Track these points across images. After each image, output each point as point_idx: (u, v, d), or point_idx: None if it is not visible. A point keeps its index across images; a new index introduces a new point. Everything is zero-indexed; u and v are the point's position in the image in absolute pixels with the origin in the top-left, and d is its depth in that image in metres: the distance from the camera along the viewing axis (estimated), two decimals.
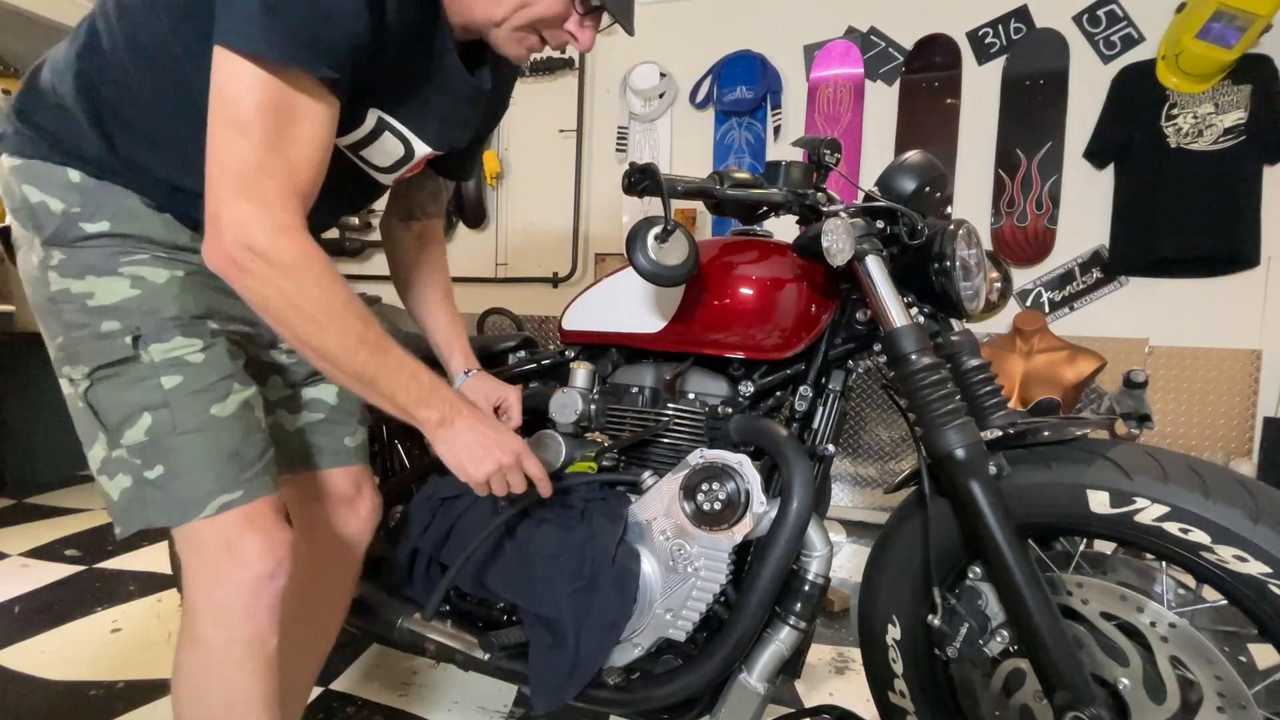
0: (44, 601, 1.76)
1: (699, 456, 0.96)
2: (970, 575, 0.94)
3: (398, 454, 1.33)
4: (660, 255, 0.92)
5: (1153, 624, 0.80)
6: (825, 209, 1.04)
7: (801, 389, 1.06)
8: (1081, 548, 0.92)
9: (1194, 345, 2.29)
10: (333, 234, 3.50)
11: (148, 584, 1.88)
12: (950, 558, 0.96)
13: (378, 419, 1.34)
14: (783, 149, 2.77)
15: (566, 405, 1.15)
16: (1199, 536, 0.77)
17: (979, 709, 0.96)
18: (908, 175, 1.04)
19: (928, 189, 1.06)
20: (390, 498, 1.29)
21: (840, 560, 2.28)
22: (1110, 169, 2.35)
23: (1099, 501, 0.84)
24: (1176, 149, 2.23)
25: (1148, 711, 0.80)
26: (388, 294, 3.40)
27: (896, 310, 0.96)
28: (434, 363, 1.18)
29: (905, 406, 0.97)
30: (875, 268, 0.97)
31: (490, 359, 1.37)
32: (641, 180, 0.97)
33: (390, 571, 1.13)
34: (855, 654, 1.61)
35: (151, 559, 2.07)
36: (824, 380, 1.06)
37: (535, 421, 1.26)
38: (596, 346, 1.26)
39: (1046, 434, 0.90)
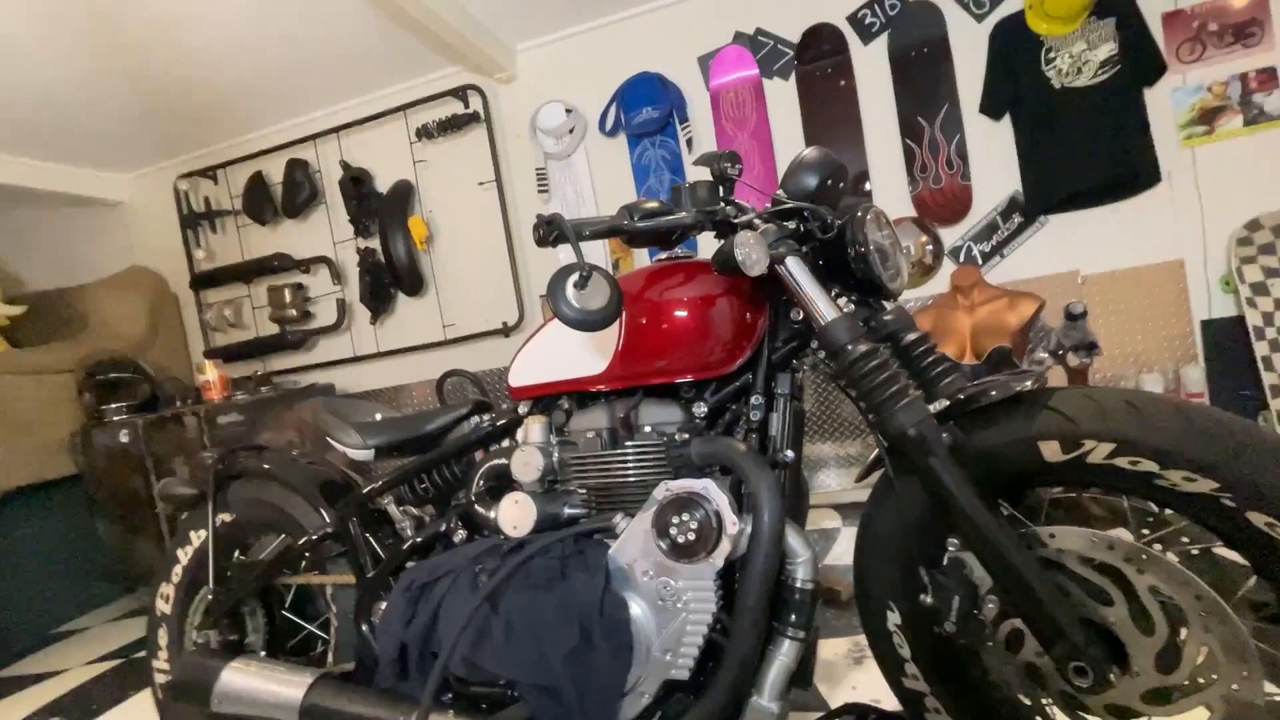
0: None
1: (664, 490, 0.95)
2: (950, 547, 0.95)
3: (370, 547, 1.29)
4: (583, 301, 0.92)
5: (1127, 559, 0.82)
6: (735, 220, 1.06)
7: (753, 399, 1.07)
8: (1048, 497, 0.94)
9: (1122, 267, 2.39)
10: (272, 329, 3.43)
11: None
12: (928, 534, 0.97)
13: (341, 517, 1.31)
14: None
15: (529, 463, 1.14)
16: (1148, 465, 0.80)
17: (989, 675, 0.96)
18: (807, 173, 1.07)
19: (829, 181, 1.09)
20: (371, 593, 1.25)
21: (842, 545, 2.29)
22: (1007, 119, 2.46)
23: (1051, 450, 0.86)
24: (1061, 89, 2.34)
25: (1141, 644, 0.81)
26: (338, 378, 3.35)
27: (824, 305, 0.97)
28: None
29: (854, 396, 0.99)
30: (796, 268, 0.99)
31: (445, 431, 1.35)
32: (551, 231, 0.97)
33: (383, 672, 1.09)
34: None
35: (138, 711, 1.96)
36: (773, 385, 1.07)
37: (504, 485, 1.24)
38: (549, 397, 1.25)
39: (992, 394, 0.92)
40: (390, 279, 3.18)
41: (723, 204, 1.08)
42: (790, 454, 1.01)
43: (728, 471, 1.03)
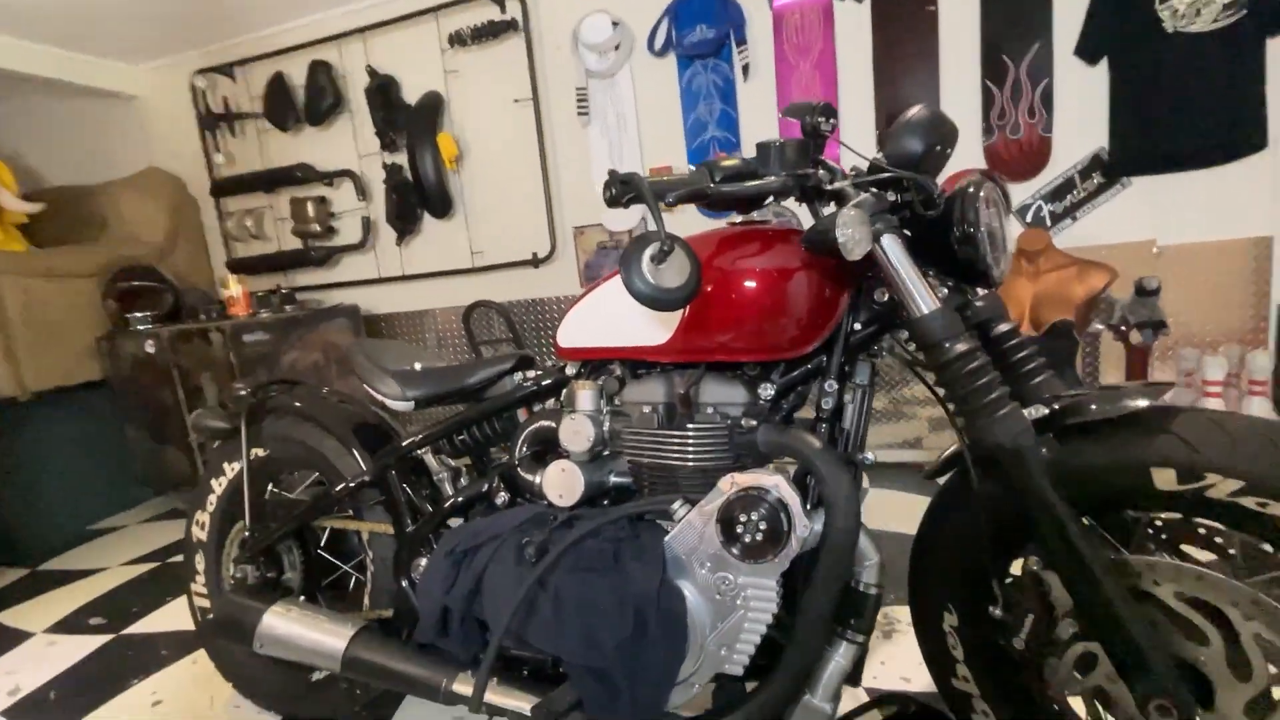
0: (78, 682, 1.73)
1: (730, 484, 0.89)
2: (1029, 564, 0.89)
3: (409, 500, 1.26)
4: (658, 277, 0.83)
5: (1233, 602, 0.76)
6: (829, 187, 0.94)
7: (826, 385, 0.99)
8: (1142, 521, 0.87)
9: (1202, 240, 2.21)
10: (295, 244, 3.34)
11: (179, 646, 1.85)
12: (1003, 545, 0.91)
13: (382, 465, 1.27)
14: (753, 89, 2.60)
15: (579, 432, 1.08)
16: (1278, 510, 0.72)
17: (1049, 690, 0.93)
18: (913, 135, 0.94)
19: (938, 148, 0.96)
20: (411, 548, 1.23)
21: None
22: (1104, 64, 2.21)
23: (1165, 479, 0.78)
24: (1173, 33, 2.08)
25: (1234, 689, 0.77)
26: (361, 299, 3.28)
27: (922, 294, 0.88)
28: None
29: (942, 394, 0.91)
30: (894, 249, 0.89)
31: (486, 385, 1.29)
32: (625, 191, 0.86)
33: (423, 629, 1.08)
34: (898, 614, 1.61)
35: (177, 617, 2.04)
36: (847, 370, 0.99)
37: (548, 449, 1.19)
38: (599, 361, 1.17)
39: (1098, 409, 0.83)
40: (417, 199, 3.04)
41: (813, 167, 0.96)
42: (871, 456, 0.94)
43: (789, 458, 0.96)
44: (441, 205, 3.03)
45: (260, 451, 1.46)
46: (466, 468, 1.40)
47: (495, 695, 0.98)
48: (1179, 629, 0.80)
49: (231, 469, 1.49)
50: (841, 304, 0.99)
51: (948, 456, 0.99)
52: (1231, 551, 0.81)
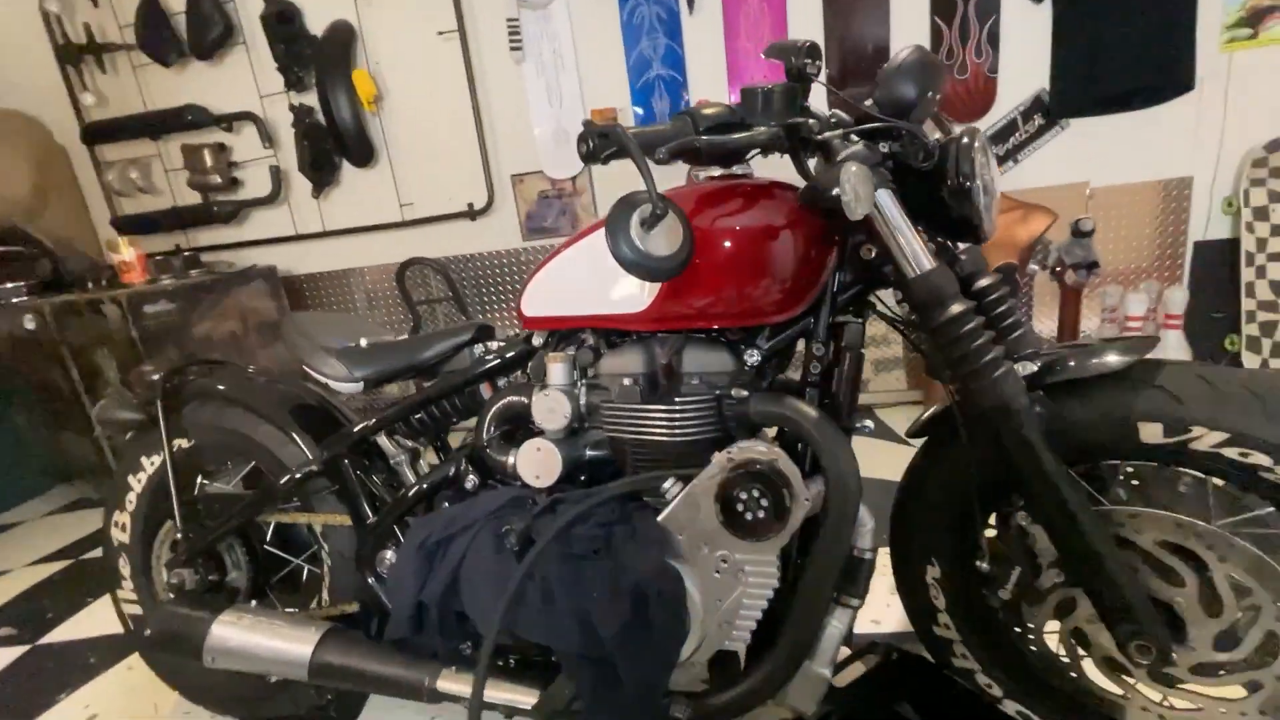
0: None
1: (727, 459, 0.85)
2: (1017, 518, 0.91)
3: (366, 489, 1.16)
4: (649, 244, 0.75)
5: (1210, 546, 0.80)
6: (818, 137, 0.87)
7: (814, 348, 0.95)
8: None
9: (1131, 181, 2.31)
10: (194, 198, 2.98)
11: (109, 652, 1.69)
12: (989, 500, 0.93)
13: (333, 453, 1.16)
14: (699, 23, 2.45)
15: (554, 409, 1.01)
16: (1259, 459, 0.75)
17: (1027, 634, 0.97)
18: (907, 81, 0.88)
19: (929, 94, 0.90)
20: (374, 541, 1.14)
21: None
22: (1047, 4, 2.20)
23: (1151, 432, 0.80)
24: None
25: (1204, 624, 0.82)
26: (278, 259, 2.99)
27: (919, 253, 0.84)
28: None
29: (933, 355, 0.88)
30: (890, 205, 0.84)
31: (444, 358, 1.18)
32: (605, 146, 0.77)
33: (396, 626, 1.01)
34: None
35: (101, 620, 1.86)
36: (837, 334, 0.95)
37: (518, 430, 1.11)
38: (568, 330, 1.09)
39: (1089, 364, 0.83)
40: (333, 145, 2.75)
41: (803, 116, 0.88)
42: (869, 425, 0.91)
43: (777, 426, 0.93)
44: (361, 152, 2.75)
45: (183, 442, 1.31)
46: (423, 448, 1.30)
47: (490, 691, 0.93)
48: (1155, 572, 0.84)
49: (151, 463, 1.33)
50: (829, 263, 0.94)
51: (933, 415, 0.98)
52: (1203, 498, 0.85)
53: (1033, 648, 0.98)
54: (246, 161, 2.93)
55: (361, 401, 2.57)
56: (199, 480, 1.34)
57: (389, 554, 1.11)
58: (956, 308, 0.83)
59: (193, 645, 1.02)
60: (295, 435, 1.20)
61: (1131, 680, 0.89)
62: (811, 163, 0.99)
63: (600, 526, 0.90)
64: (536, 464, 1.01)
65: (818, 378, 0.95)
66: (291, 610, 1.25)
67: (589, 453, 1.05)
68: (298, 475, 1.17)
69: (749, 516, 0.82)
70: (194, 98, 2.84)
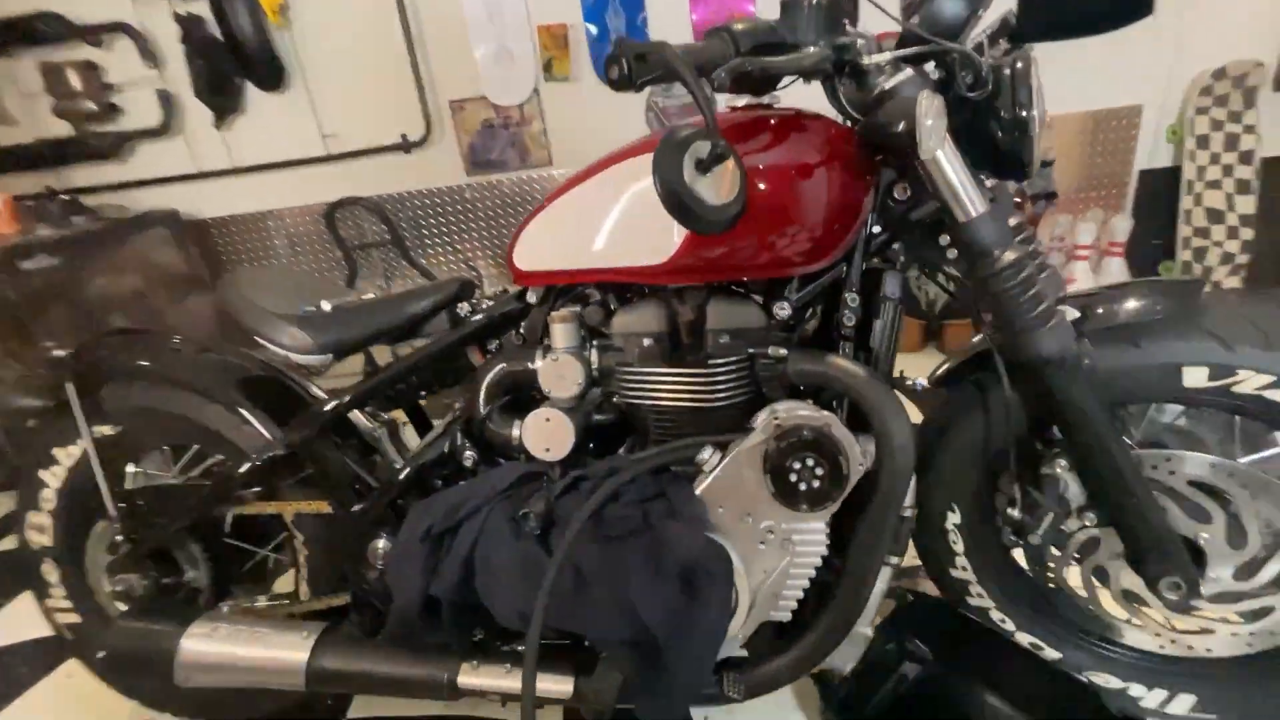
0: None
1: (772, 420, 0.78)
2: (1050, 464, 0.90)
3: (346, 472, 1.02)
4: (703, 188, 0.64)
5: (1244, 485, 0.81)
6: (867, 61, 0.77)
7: (847, 298, 0.88)
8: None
9: (1086, 110, 2.33)
10: (62, 128, 2.52)
11: (42, 659, 1.51)
12: (1024, 447, 0.91)
13: (303, 434, 1.01)
14: None
15: (564, 376, 0.90)
16: None
17: (1046, 572, 0.99)
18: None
19: (979, 13, 0.81)
20: (364, 530, 1.02)
21: None
22: None
23: (1195, 378, 0.79)
24: None
25: (1226, 557, 0.85)
26: (177, 200, 2.60)
27: (973, 194, 0.77)
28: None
29: (979, 302, 0.83)
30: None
31: (423, 319, 1.03)
32: (645, 70, 0.64)
33: (400, 622, 0.92)
34: None
35: (25, 625, 1.65)
36: (870, 279, 0.88)
37: (523, 399, 1.00)
38: (565, 285, 0.97)
39: (1137, 309, 0.81)
40: (234, 65, 2.36)
41: (851, 36, 0.78)
42: (922, 381, 0.86)
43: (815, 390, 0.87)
44: (269, 73, 2.38)
45: (106, 430, 1.11)
46: (404, 423, 1.17)
47: (517, 683, 0.86)
48: (1184, 511, 0.85)
49: (68, 455, 1.13)
50: (866, 204, 0.86)
51: (960, 363, 0.95)
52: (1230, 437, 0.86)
53: (1050, 585, 1.00)
54: (125, 84, 2.48)
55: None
56: (129, 471, 1.15)
57: (382, 543, 1.00)
58: (1010, 254, 0.77)
59: (160, 665, 0.89)
60: (252, 416, 1.04)
61: (1148, 609, 0.93)
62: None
63: (634, 504, 0.82)
64: (546, 436, 0.92)
65: (852, 331, 0.89)
66: (263, 600, 1.12)
67: (596, 418, 0.96)
68: (260, 461, 1.02)
69: (803, 486, 0.76)
70: (48, 4, 2.35)
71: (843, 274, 0.89)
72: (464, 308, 1.04)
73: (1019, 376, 0.84)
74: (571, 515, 0.83)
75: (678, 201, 0.61)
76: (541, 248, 0.94)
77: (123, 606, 1.03)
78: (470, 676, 0.87)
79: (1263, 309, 0.78)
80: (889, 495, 0.78)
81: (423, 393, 1.11)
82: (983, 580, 1.04)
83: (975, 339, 0.96)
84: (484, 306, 1.03)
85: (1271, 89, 2.16)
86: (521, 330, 1.04)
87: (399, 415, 1.17)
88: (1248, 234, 2.21)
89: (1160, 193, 2.35)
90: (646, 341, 0.89)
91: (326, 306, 1.01)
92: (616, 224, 0.87)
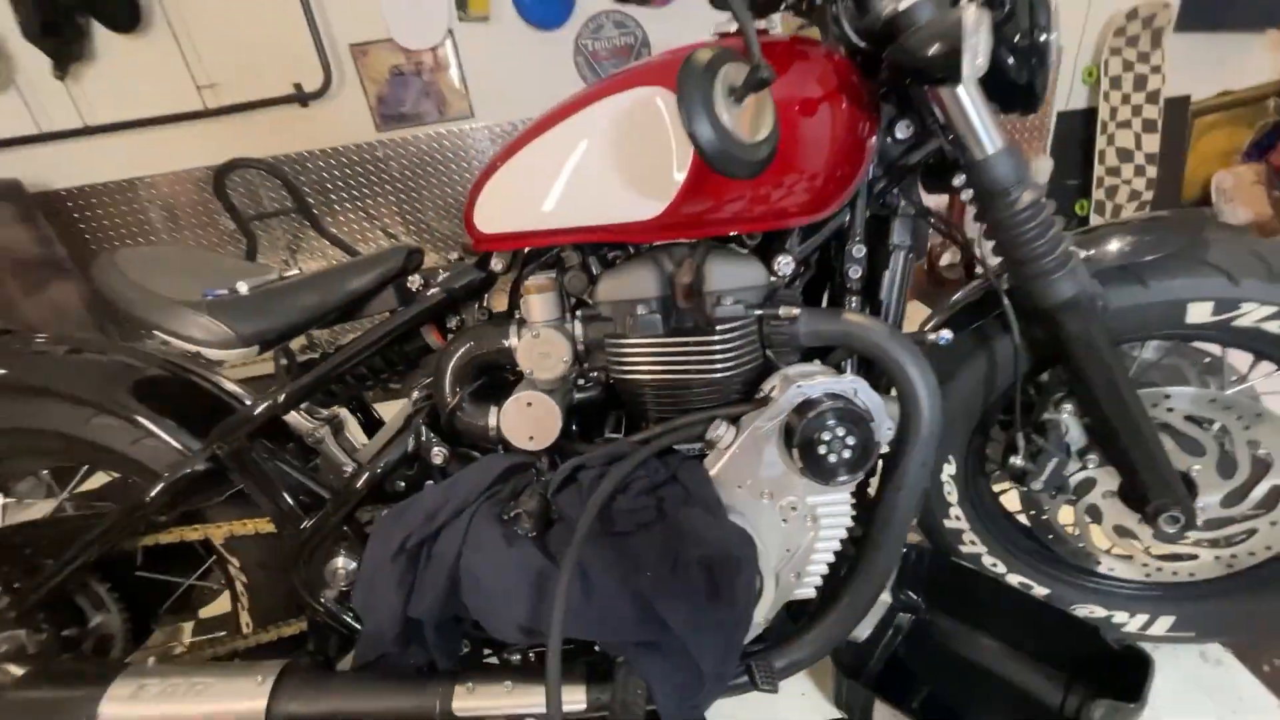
0: None
1: (795, 389, 0.71)
2: (1053, 410, 0.89)
3: (286, 480, 0.87)
4: (735, 122, 0.53)
5: (1238, 416, 0.83)
6: None
7: (853, 250, 0.81)
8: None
9: None
10: None
11: None
12: (1036, 394, 0.90)
13: (231, 444, 0.84)
14: None
15: (549, 354, 0.79)
16: None
17: (1039, 516, 1.00)
18: None
19: None
20: (317, 551, 0.87)
21: None
22: None
23: (1200, 312, 0.79)
24: None
25: (1216, 487, 0.87)
26: (17, 168, 2.18)
27: (991, 129, 0.71)
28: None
29: (987, 241, 0.79)
30: None
31: (365, 297, 0.88)
32: None
33: (372, 648, 0.79)
34: None
35: None
36: (877, 228, 0.82)
37: (494, 383, 0.88)
38: (534, 250, 0.85)
39: (1146, 245, 0.79)
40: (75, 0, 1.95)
41: None
42: (947, 335, 0.80)
43: (823, 352, 0.81)
44: (122, 11, 1.99)
45: None
46: (339, 417, 1.01)
47: (527, 699, 0.77)
48: (1179, 446, 0.87)
49: None
50: (870, 145, 0.78)
51: (959, 311, 0.91)
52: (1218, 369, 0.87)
53: (1042, 527, 1.01)
54: None
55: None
56: None
57: (341, 561, 0.86)
58: (1029, 195, 0.73)
59: None
60: (156, 425, 0.86)
61: (1138, 542, 0.95)
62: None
63: (645, 493, 0.73)
64: (529, 422, 0.81)
65: (859, 284, 0.82)
66: (195, 638, 0.96)
67: (576, 397, 0.86)
68: (178, 479, 0.84)
69: (831, 459, 0.70)
70: None
71: (845, 223, 0.82)
72: (414, 281, 0.89)
73: (1037, 322, 0.81)
74: (573, 511, 0.73)
75: (710, 137, 0.51)
76: (507, 205, 0.80)
77: (16, 670, 0.84)
78: (466, 700, 0.77)
79: (1266, 246, 0.78)
80: (919, 460, 0.74)
81: (369, 383, 0.96)
82: (975, 528, 1.04)
83: (969, 286, 0.93)
84: (439, 279, 0.89)
85: (1173, 29, 2.27)
86: (486, 304, 0.91)
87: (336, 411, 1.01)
88: (1153, 172, 2.35)
89: (1077, 133, 2.45)
90: (640, 309, 0.78)
91: (243, 288, 0.83)
92: (600, 173, 0.75)
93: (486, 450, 0.87)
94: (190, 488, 0.86)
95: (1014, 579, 1.06)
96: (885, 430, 0.71)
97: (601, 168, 0.75)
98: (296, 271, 0.92)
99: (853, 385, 0.71)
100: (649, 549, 0.71)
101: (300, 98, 2.19)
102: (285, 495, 0.85)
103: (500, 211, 0.81)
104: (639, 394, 0.81)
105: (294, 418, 0.93)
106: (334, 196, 2.35)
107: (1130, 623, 1.02)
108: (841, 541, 0.78)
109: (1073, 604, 1.04)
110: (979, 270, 0.94)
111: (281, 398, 0.84)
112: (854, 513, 0.77)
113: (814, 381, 0.71)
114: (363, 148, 2.30)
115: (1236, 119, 2.39)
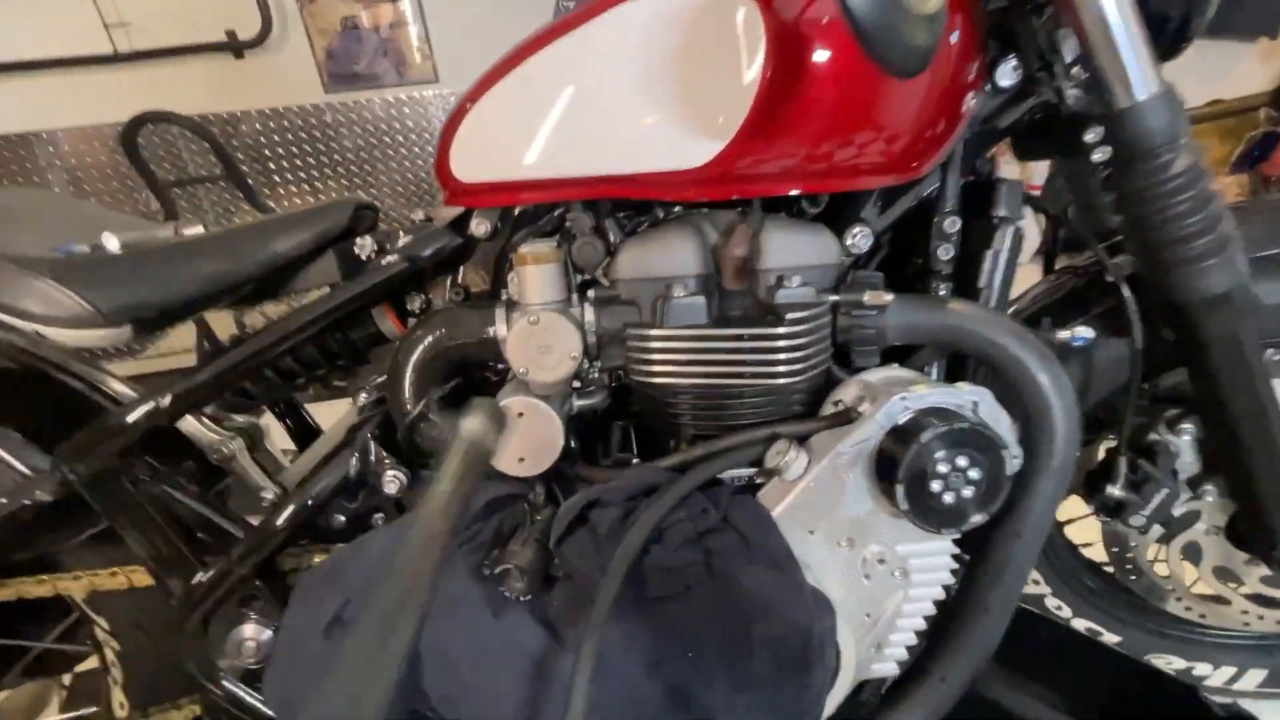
0: None
1: (897, 402, 0.52)
2: (1167, 431, 0.73)
3: (190, 516, 0.63)
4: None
5: None
6: None
7: (944, 223, 0.63)
8: None
9: None
10: None
11: None
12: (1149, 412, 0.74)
13: (91, 470, 0.59)
14: None
15: (552, 345, 0.60)
16: None
17: (1124, 554, 0.85)
18: None
19: None
20: (213, 612, 0.63)
21: None
22: None
23: None
24: None
25: None
26: None
27: (1146, 68, 0.54)
28: None
29: (1125, 224, 0.62)
30: None
31: (297, 264, 0.65)
32: None
33: None
34: None
35: None
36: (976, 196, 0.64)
37: (474, 383, 0.66)
38: (531, 208, 0.64)
39: None
40: None
41: None
42: (1086, 333, 0.63)
43: (897, 354, 0.63)
44: None
45: None
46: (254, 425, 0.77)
47: None
48: None
49: None
50: (971, 94, 0.60)
51: (1054, 302, 0.75)
52: None
53: (1125, 565, 0.86)
54: None
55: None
56: None
57: (250, 630, 0.62)
58: (1184, 160, 0.56)
59: None
60: None
61: (1242, 586, 0.81)
62: None
63: (687, 544, 0.53)
64: (521, 440, 0.59)
65: (948, 267, 0.64)
66: None
67: (577, 404, 0.66)
68: (13, 511, 0.59)
69: (948, 498, 0.51)
70: None
71: (934, 191, 0.64)
72: (364, 245, 0.66)
73: (1156, 318, 0.65)
74: (585, 565, 0.52)
75: (870, 22, 0.31)
76: (496, 145, 0.60)
77: None
78: None
79: None
80: (1044, 496, 0.56)
81: (299, 380, 0.73)
82: (1040, 565, 0.88)
83: (1058, 272, 0.77)
84: (398, 244, 0.66)
85: None
86: (462, 279, 0.69)
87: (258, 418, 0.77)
88: None
89: None
90: (677, 291, 0.58)
91: (112, 244, 0.58)
92: (625, 102, 0.55)
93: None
94: (35, 524, 0.61)
95: (1081, 624, 0.91)
96: (1014, 460, 0.53)
97: (629, 96, 0.55)
98: (201, 230, 0.69)
99: (972, 397, 0.52)
100: (694, 622, 0.51)
101: (234, 46, 1.89)
102: (170, 534, 0.61)
103: (486, 153, 0.60)
104: (669, 403, 0.61)
105: (193, 427, 0.68)
106: (273, 165, 2.06)
107: (1213, 676, 0.88)
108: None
109: (1146, 654, 0.89)
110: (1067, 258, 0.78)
111: (168, 399, 0.60)
112: (955, 565, 0.58)
113: (920, 392, 0.52)
114: (308, 110, 2.01)
115: (1226, 129, 2.36)
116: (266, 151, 2.04)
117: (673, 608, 0.51)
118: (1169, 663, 0.89)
